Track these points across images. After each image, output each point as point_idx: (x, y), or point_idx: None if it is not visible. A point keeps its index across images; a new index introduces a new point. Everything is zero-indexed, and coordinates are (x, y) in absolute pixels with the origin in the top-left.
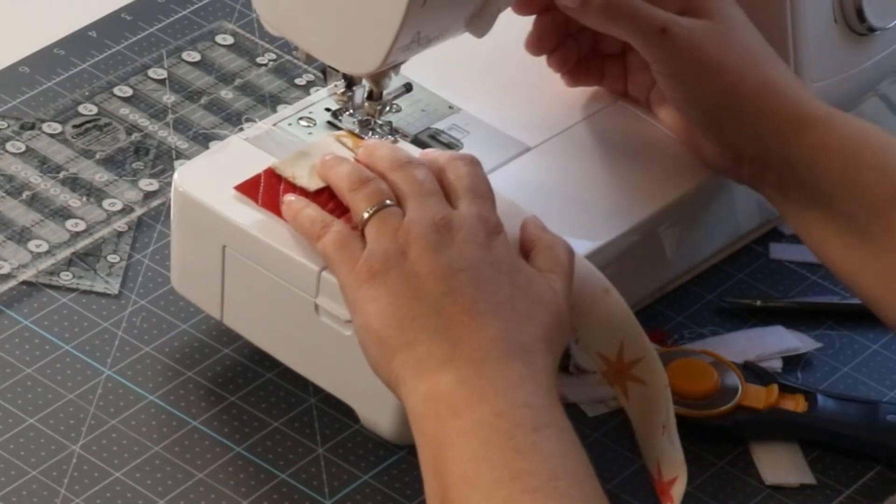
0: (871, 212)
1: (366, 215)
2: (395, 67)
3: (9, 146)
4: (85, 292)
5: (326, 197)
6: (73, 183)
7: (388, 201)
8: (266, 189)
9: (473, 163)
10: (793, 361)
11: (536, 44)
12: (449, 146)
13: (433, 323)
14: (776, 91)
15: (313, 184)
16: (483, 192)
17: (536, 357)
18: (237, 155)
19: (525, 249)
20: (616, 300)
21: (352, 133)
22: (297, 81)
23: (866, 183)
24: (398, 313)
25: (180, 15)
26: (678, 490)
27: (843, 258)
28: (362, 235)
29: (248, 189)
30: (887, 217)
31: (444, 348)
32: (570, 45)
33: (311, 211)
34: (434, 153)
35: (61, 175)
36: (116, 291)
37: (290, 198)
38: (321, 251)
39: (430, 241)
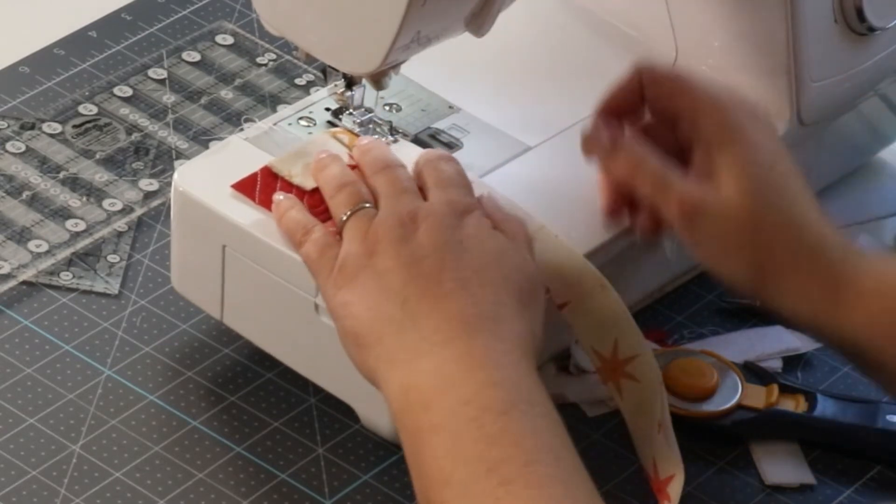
0: None
1: (343, 218)
2: (395, 67)
3: (9, 146)
4: (85, 292)
5: (322, 196)
6: (73, 183)
7: (366, 204)
8: (263, 187)
9: (447, 158)
10: (793, 361)
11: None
12: (449, 146)
13: (399, 314)
14: (793, 264)
15: (309, 182)
16: (454, 181)
17: (507, 325)
18: (237, 155)
19: None
20: (612, 296)
21: (348, 130)
22: (297, 81)
23: None
24: (369, 312)
25: (180, 15)
26: (675, 489)
27: None
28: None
29: (245, 187)
30: None
31: (410, 338)
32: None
33: (296, 214)
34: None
35: (61, 175)
36: (116, 291)
37: (278, 197)
38: (303, 259)
39: (394, 237)
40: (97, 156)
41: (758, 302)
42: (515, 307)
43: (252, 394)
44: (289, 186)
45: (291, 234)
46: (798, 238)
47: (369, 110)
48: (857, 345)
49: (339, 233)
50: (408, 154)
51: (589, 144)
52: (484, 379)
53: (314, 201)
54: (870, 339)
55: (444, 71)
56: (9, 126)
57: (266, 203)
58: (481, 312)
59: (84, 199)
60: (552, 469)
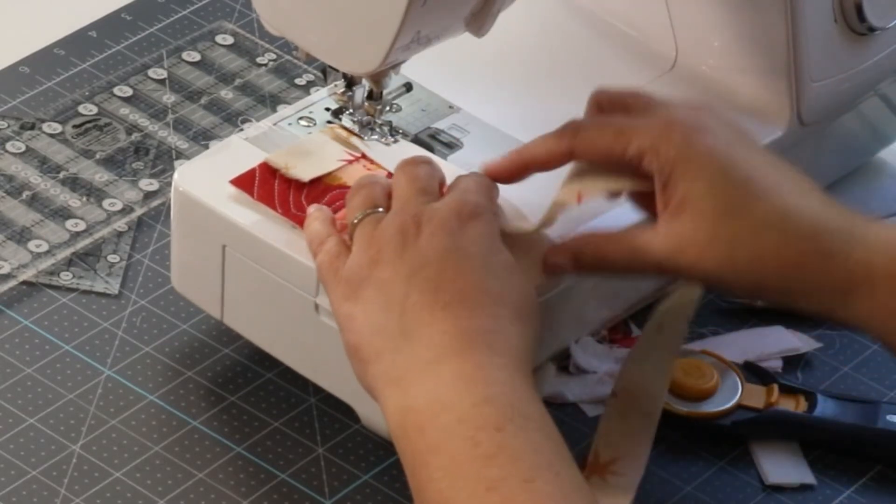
0: None
1: (354, 222)
2: (395, 67)
3: (9, 146)
4: (85, 292)
5: (322, 188)
6: (73, 183)
7: (378, 208)
8: (261, 183)
9: (481, 175)
10: (793, 361)
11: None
12: (449, 146)
13: (397, 329)
14: (801, 264)
15: (307, 174)
16: (471, 186)
17: (502, 338)
18: (237, 155)
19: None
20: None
21: (344, 127)
22: (297, 81)
23: None
24: (369, 326)
25: (180, 15)
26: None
27: None
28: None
29: (244, 183)
30: None
31: (405, 355)
32: None
33: (318, 224)
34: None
35: (61, 175)
36: (116, 291)
37: (311, 209)
38: (317, 269)
39: (395, 245)
40: (97, 156)
41: (758, 302)
42: (512, 319)
43: (252, 394)
44: (287, 181)
45: (310, 244)
46: (784, 227)
47: (370, 112)
48: (877, 333)
49: (351, 237)
50: (408, 154)
51: (552, 268)
52: (477, 396)
53: (314, 194)
54: (874, 328)
55: (444, 71)
56: (9, 126)
57: (265, 198)
58: (477, 326)
59: (84, 199)
60: (552, 486)
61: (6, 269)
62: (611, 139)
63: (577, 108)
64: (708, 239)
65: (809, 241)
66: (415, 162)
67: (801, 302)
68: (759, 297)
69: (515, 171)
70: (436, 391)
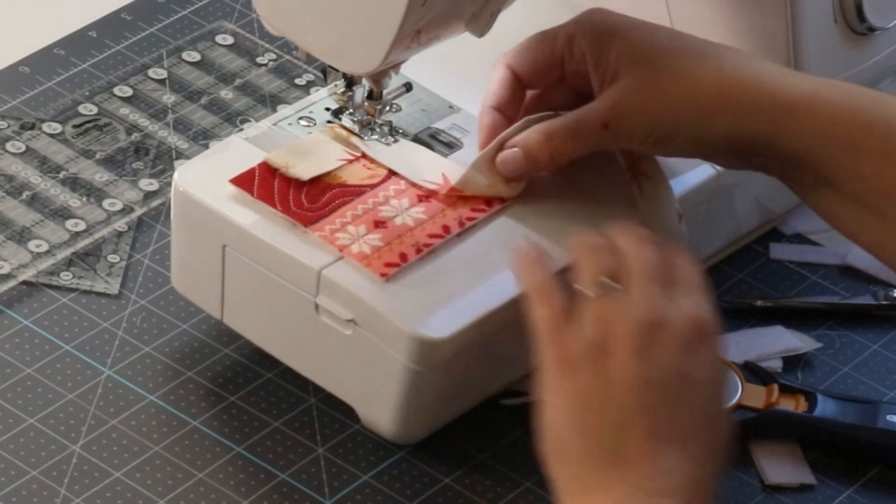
0: (880, 194)
1: (588, 291)
2: (395, 67)
3: (9, 146)
4: (85, 292)
5: (322, 187)
6: (73, 183)
7: (611, 282)
8: (261, 182)
9: (684, 254)
10: (793, 361)
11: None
12: (449, 146)
13: (609, 443)
14: (741, 85)
15: (307, 173)
16: (699, 286)
17: (702, 493)
18: (237, 155)
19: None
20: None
21: (344, 127)
22: (297, 81)
23: (869, 170)
24: (580, 417)
25: (180, 15)
26: None
27: (861, 235)
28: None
29: (244, 182)
30: None
31: (612, 469)
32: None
33: (540, 269)
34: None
35: (61, 175)
36: (116, 291)
37: (526, 246)
38: (536, 320)
39: (633, 346)
40: (97, 156)
41: (758, 302)
42: (717, 475)
43: (252, 394)
44: (287, 180)
45: (528, 289)
46: (722, 73)
47: (370, 112)
48: (801, 158)
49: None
50: (408, 154)
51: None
52: None
53: (313, 194)
54: (810, 149)
55: (444, 71)
56: (9, 126)
57: (264, 197)
58: (685, 475)
59: (84, 199)
60: None
61: (6, 269)
62: (539, 41)
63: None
64: (649, 83)
65: (746, 68)
66: (643, 241)
67: (745, 125)
68: (704, 132)
69: (494, 142)
70: None
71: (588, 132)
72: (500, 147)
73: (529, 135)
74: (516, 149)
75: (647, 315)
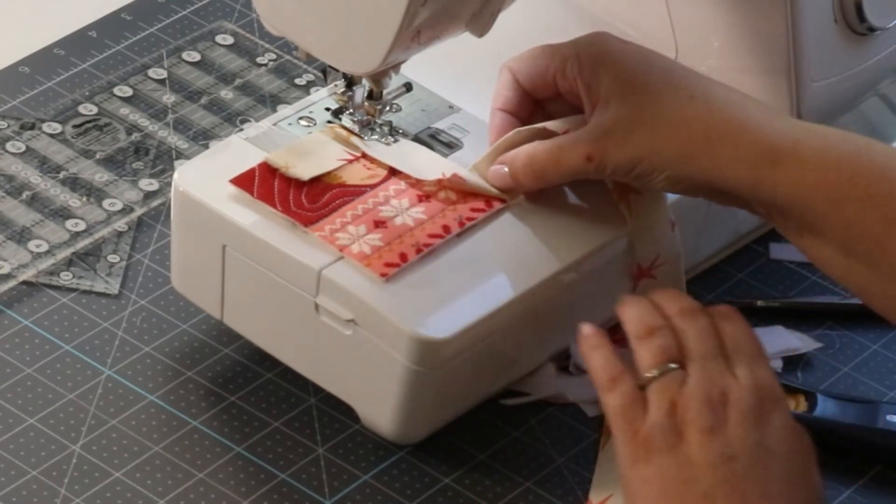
0: (867, 242)
1: (649, 376)
2: (395, 67)
3: (9, 146)
4: (85, 292)
5: (322, 187)
6: (73, 183)
7: (671, 364)
8: (261, 182)
9: (737, 318)
10: (793, 361)
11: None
12: (449, 146)
13: None
14: (726, 129)
15: (307, 173)
16: (759, 354)
17: None
18: (237, 155)
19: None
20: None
21: (344, 127)
22: (297, 81)
23: (853, 216)
24: (668, 500)
25: (180, 15)
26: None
27: (848, 280)
28: (644, 392)
29: (244, 182)
30: (884, 243)
31: None
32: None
33: (604, 354)
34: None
35: (61, 175)
36: (116, 291)
37: (588, 330)
38: (605, 406)
39: (705, 423)
40: (97, 156)
41: (759, 302)
42: None
43: (252, 394)
44: (287, 180)
45: (597, 375)
46: (708, 100)
47: (370, 112)
48: (786, 207)
49: (639, 380)
50: (408, 153)
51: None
52: None
53: (314, 194)
54: (795, 199)
55: (444, 71)
56: (9, 126)
57: (264, 197)
58: None
59: (84, 199)
60: None
61: (6, 269)
62: (539, 55)
63: (576, 107)
64: (635, 118)
65: (734, 111)
66: (694, 312)
67: (728, 171)
68: (688, 173)
69: (491, 148)
70: None
71: (570, 163)
72: (496, 154)
73: (517, 155)
74: (504, 167)
75: (709, 393)
